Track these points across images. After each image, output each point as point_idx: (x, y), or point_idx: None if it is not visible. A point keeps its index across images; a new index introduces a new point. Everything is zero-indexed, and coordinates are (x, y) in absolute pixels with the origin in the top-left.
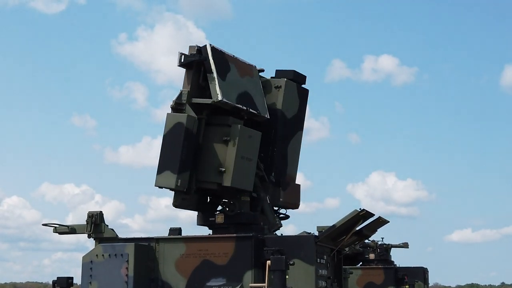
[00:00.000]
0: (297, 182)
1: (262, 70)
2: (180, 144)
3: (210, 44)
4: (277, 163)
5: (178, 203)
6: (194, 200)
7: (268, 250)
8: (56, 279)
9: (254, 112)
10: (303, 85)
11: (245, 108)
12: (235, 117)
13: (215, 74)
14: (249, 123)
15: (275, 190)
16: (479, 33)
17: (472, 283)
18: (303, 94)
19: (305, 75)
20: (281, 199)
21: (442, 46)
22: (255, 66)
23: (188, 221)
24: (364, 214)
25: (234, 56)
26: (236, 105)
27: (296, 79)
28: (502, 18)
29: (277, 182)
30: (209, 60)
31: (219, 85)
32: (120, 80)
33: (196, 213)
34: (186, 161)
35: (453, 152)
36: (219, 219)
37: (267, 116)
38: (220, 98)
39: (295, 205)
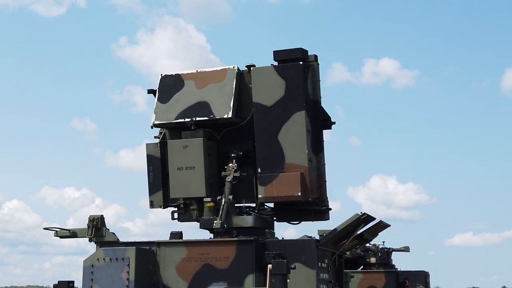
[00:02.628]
0: None
1: (252, 66)
2: (147, 169)
3: (162, 74)
4: (262, 157)
5: (178, 219)
6: (190, 214)
7: (269, 254)
8: (57, 283)
9: (205, 118)
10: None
11: (188, 119)
12: (187, 130)
13: (155, 101)
14: (219, 128)
15: (255, 187)
16: (480, 36)
17: (473, 287)
18: (293, 71)
19: (305, 49)
20: (260, 195)
21: (443, 49)
22: (233, 67)
23: (188, 225)
24: (365, 218)
25: (199, 70)
26: (176, 120)
27: (279, 58)
28: (503, 22)
29: (257, 177)
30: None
31: (155, 110)
32: (121, 83)
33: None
34: (154, 183)
35: (454, 155)
36: (217, 225)
37: (228, 115)
38: (152, 122)
39: (293, 196)
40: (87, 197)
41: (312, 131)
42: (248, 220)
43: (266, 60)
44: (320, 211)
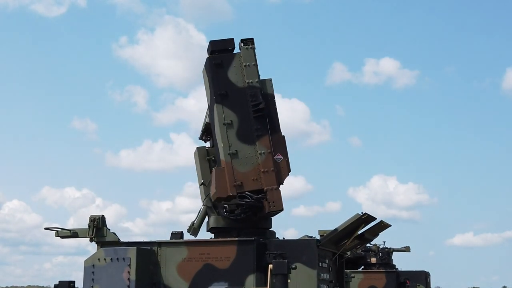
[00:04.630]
0: (297, 185)
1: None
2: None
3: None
4: (214, 155)
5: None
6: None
7: (270, 254)
8: (58, 283)
9: None
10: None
11: None
12: None
13: None
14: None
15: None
16: (481, 36)
17: (474, 287)
18: (207, 64)
19: (230, 38)
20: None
21: (444, 49)
22: None
23: (189, 225)
24: (366, 218)
25: None
26: None
27: (209, 50)
28: (504, 22)
29: None
30: None
31: None
32: (121, 83)
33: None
34: None
35: (454, 155)
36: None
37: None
38: None
39: (212, 193)
40: (88, 197)
41: (241, 120)
42: (210, 221)
43: (266, 62)
44: (255, 205)
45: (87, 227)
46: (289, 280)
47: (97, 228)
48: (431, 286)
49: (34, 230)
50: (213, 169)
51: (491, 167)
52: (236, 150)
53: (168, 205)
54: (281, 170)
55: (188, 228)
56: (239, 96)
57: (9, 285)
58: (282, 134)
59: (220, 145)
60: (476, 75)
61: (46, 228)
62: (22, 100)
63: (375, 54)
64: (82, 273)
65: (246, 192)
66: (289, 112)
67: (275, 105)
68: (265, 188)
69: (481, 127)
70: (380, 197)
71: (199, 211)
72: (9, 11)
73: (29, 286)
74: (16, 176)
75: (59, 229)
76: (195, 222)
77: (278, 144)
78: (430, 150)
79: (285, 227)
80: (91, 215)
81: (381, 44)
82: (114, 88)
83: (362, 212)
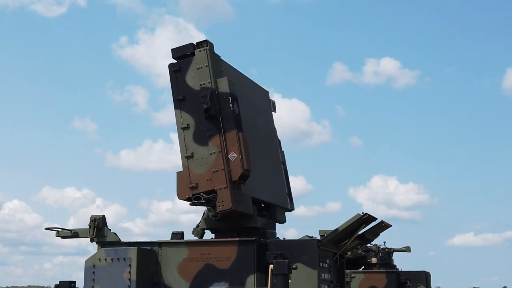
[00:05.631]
0: (298, 186)
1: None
2: None
3: None
4: None
5: None
6: None
7: (270, 254)
8: (58, 283)
9: None
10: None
11: None
12: None
13: None
14: None
15: None
16: (481, 36)
17: (474, 287)
18: (171, 67)
19: (190, 43)
20: None
21: (444, 49)
22: None
23: (189, 225)
24: (366, 218)
25: None
26: None
27: (173, 57)
28: (504, 21)
29: None
30: None
31: None
32: (121, 83)
33: (197, 217)
34: None
35: (454, 155)
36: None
37: None
38: None
39: (179, 196)
40: (88, 197)
41: (196, 123)
42: (201, 223)
43: (267, 62)
44: (209, 205)
45: (88, 227)
46: (289, 280)
47: (98, 228)
48: (432, 286)
49: (35, 230)
50: (176, 173)
51: (492, 167)
52: (192, 153)
53: (168, 205)
54: (234, 169)
55: (192, 230)
56: (195, 99)
57: (9, 285)
58: (239, 132)
59: (179, 149)
60: (476, 75)
61: (46, 228)
62: (22, 100)
63: (375, 54)
64: (82, 273)
65: (201, 193)
66: (289, 112)
67: (232, 103)
68: (215, 188)
69: (481, 127)
70: (381, 197)
71: (204, 212)
72: (9, 11)
73: (30, 286)
74: (16, 176)
75: (60, 229)
76: (199, 224)
77: (232, 142)
78: (431, 150)
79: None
80: (91, 215)
81: (382, 44)
82: (114, 88)
83: (362, 212)
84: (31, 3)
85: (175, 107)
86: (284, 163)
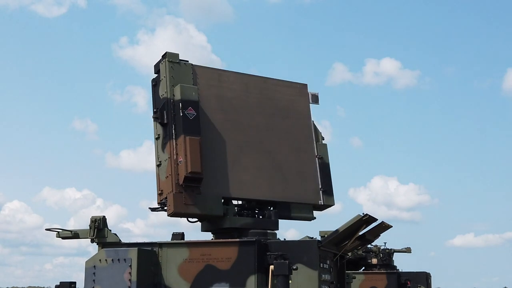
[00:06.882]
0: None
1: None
2: None
3: None
4: None
5: None
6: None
7: (271, 255)
8: (59, 283)
9: None
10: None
11: None
12: None
13: None
14: None
15: None
16: (482, 36)
17: None
18: (151, 82)
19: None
20: None
21: (445, 49)
22: None
23: (189, 226)
24: (367, 219)
25: None
26: None
27: (154, 71)
28: (505, 22)
29: None
30: None
31: None
32: (121, 84)
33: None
34: None
35: (455, 156)
36: None
37: None
38: None
39: (158, 203)
40: (88, 198)
41: (164, 132)
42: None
43: (267, 62)
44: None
45: (88, 228)
46: (290, 281)
47: (98, 229)
48: (432, 287)
49: (35, 231)
50: None
51: (492, 168)
52: (160, 161)
53: None
54: (181, 172)
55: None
56: (163, 108)
57: (9, 286)
58: (187, 136)
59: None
60: (476, 75)
61: (47, 229)
62: (22, 101)
63: (375, 55)
64: (83, 274)
65: (164, 199)
66: None
67: (182, 109)
68: (167, 193)
69: (482, 127)
70: (381, 198)
71: None
72: (9, 11)
73: (30, 287)
74: (16, 177)
75: (60, 230)
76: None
77: (180, 147)
78: (431, 150)
79: (286, 228)
80: (92, 216)
81: (382, 44)
82: (115, 89)
83: (363, 213)
84: (31, 4)
85: (153, 119)
86: (322, 157)
